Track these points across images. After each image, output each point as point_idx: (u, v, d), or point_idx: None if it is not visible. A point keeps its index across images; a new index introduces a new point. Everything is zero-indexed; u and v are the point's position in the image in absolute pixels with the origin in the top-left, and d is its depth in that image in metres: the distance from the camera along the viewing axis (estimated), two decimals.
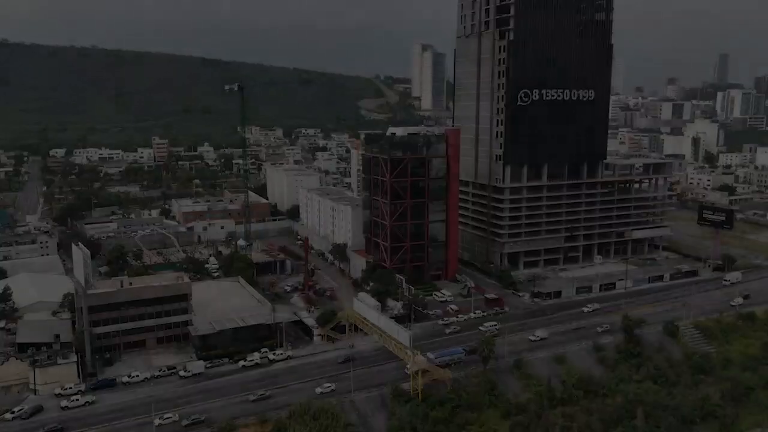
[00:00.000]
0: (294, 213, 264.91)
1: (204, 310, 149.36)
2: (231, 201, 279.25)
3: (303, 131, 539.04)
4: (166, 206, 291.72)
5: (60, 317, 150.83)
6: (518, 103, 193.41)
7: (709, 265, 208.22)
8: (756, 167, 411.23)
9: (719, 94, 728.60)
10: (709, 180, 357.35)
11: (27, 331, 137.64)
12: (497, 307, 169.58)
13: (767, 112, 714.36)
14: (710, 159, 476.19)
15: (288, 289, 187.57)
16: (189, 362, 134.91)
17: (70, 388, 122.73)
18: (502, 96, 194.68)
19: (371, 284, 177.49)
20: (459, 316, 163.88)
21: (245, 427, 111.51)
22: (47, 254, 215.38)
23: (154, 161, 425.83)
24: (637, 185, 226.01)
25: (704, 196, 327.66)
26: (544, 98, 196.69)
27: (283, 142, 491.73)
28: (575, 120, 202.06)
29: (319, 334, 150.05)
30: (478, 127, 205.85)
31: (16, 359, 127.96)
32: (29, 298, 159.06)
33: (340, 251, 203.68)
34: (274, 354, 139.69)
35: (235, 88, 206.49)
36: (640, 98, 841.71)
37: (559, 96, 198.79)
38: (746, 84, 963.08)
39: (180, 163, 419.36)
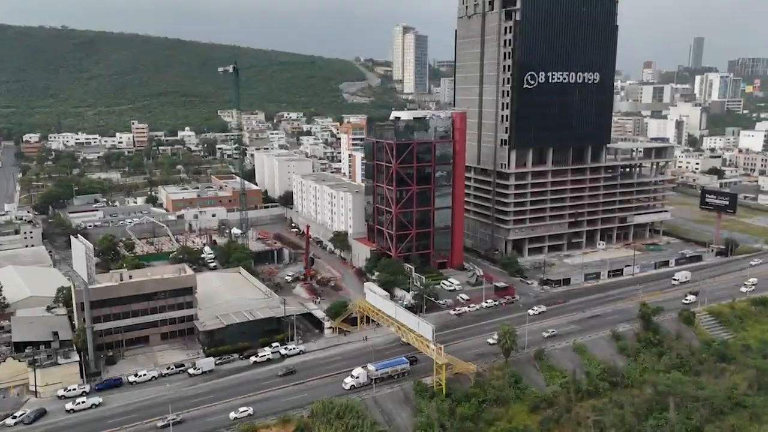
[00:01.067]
0: (287, 200, 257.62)
1: (208, 304, 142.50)
2: (221, 188, 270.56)
3: (285, 115, 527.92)
4: (152, 193, 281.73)
5: (55, 313, 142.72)
6: (524, 86, 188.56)
7: (713, 250, 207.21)
8: (740, 150, 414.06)
9: (697, 78, 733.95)
10: (697, 164, 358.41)
11: (23, 328, 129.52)
12: (508, 296, 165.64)
13: (744, 96, 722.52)
14: (693, 142, 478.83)
15: (288, 279, 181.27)
16: (198, 359, 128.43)
17: (74, 389, 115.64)
18: (508, 78, 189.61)
19: (377, 273, 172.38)
20: (471, 305, 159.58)
21: (266, 429, 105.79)
22: (32, 245, 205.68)
23: (134, 146, 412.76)
24: (636, 170, 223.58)
25: (695, 180, 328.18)
26: (550, 81, 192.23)
27: (266, 126, 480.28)
28: (581, 103, 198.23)
29: (331, 327, 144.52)
30: (482, 110, 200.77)
31: (14, 359, 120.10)
32: (20, 293, 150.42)
33: (340, 239, 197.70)
34: (286, 349, 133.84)
35: (230, 70, 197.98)
36: (619, 81, 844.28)
37: (564, 78, 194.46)
38: (720, 67, 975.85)
39: (161, 148, 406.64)
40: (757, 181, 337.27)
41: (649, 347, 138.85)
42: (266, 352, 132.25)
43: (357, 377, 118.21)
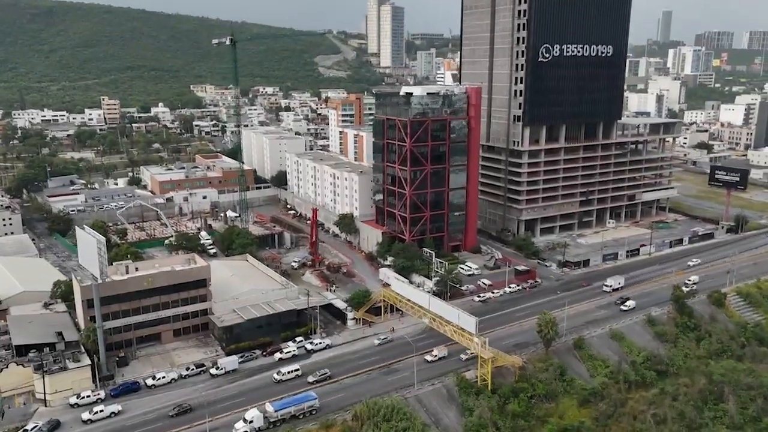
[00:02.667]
0: (280, 180, 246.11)
1: (220, 296, 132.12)
2: (208, 168, 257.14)
3: (261, 90, 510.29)
4: (135, 174, 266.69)
5: (54, 310, 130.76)
6: (539, 59, 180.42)
7: (723, 227, 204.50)
8: (722, 124, 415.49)
9: (671, 52, 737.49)
10: (685, 138, 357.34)
11: (22, 329, 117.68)
12: (530, 280, 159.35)
13: (716, 70, 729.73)
14: (674, 116, 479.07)
15: (295, 265, 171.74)
16: (220, 358, 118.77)
17: (88, 396, 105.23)
18: (522, 51, 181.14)
19: (391, 259, 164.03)
20: (494, 291, 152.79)
21: None
22: (12, 233, 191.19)
23: (105, 124, 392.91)
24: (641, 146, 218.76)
25: (686, 154, 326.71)
26: (565, 54, 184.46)
27: (242, 101, 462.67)
28: (594, 78, 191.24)
29: (354, 318, 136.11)
30: (492, 85, 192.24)
31: (17, 365, 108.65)
32: (11, 288, 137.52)
33: (346, 222, 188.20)
34: (311, 344, 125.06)
35: (227, 42, 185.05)
36: None
37: (579, 51, 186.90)
38: (687, 41, 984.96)
39: (134, 125, 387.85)
40: (746, 155, 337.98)
41: (686, 332, 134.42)
42: (291, 347, 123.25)
43: (251, 421, 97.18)
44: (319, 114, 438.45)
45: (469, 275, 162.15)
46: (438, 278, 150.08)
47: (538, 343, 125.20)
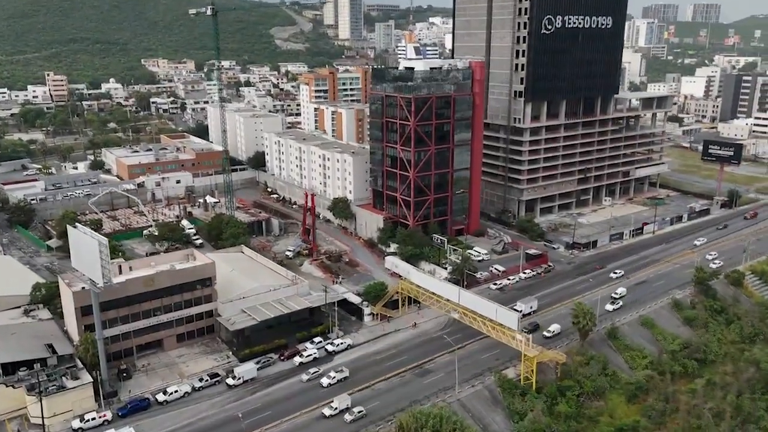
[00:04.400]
0: (258, 161, 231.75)
1: (226, 295, 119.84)
2: (178, 149, 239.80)
3: (217, 64, 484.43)
4: (97, 158, 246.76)
5: (37, 317, 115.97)
6: (542, 31, 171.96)
7: (717, 202, 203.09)
8: (685, 97, 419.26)
9: (625, 24, 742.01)
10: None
11: (6, 343, 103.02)
12: (543, 264, 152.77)
13: (665, 42, 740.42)
14: (636, 89, 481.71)
15: (290, 254, 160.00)
16: (236, 366, 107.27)
17: (93, 418, 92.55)
18: (524, 23, 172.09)
19: (396, 246, 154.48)
20: (509, 277, 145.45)
21: None
22: None
23: (52, 101, 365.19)
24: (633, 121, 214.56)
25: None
26: (567, 25, 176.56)
27: (198, 76, 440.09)
28: (593, 50, 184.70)
29: (371, 313, 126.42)
30: (490, 59, 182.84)
31: (6, 386, 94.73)
32: None
33: (341, 207, 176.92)
34: (332, 344, 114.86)
35: (207, 12, 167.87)
36: None
37: (579, 23, 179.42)
38: (635, 14, 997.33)
39: (85, 103, 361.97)
40: (715, 128, 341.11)
41: (714, 315, 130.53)
42: (311, 349, 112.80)
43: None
44: (282, 89, 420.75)
45: (479, 261, 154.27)
46: (452, 266, 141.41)
47: (571, 333, 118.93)
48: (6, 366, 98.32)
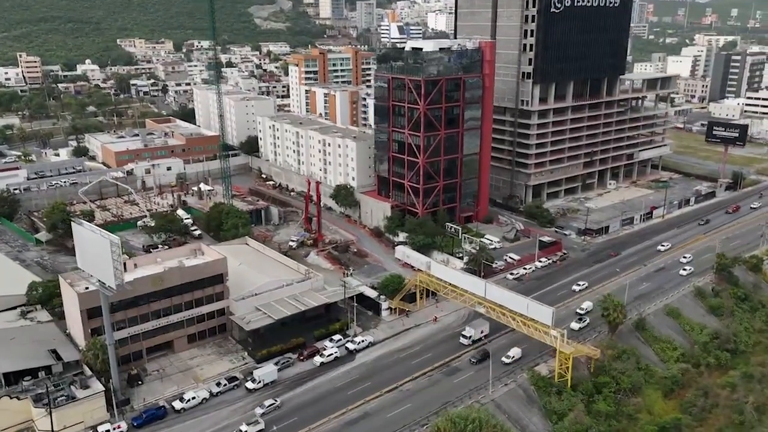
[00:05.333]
0: (251, 147, 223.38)
1: (236, 291, 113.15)
2: (167, 134, 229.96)
3: (195, 44, 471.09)
4: (80, 144, 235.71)
5: (36, 320, 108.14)
6: (552, 10, 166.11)
7: (722, 185, 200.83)
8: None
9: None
10: None
11: (6, 350, 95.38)
12: (558, 252, 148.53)
13: (648, 22, 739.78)
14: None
15: (293, 245, 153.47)
16: (251, 368, 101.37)
17: (107, 430, 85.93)
18: (534, 1, 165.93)
19: (405, 235, 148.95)
20: (525, 267, 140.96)
21: None
22: None
23: (26, 84, 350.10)
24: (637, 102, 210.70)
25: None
26: (576, 3, 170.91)
27: (178, 57, 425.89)
28: (601, 29, 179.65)
29: (389, 308, 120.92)
30: (496, 39, 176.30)
31: (10, 398, 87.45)
32: None
33: (344, 195, 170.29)
34: (353, 342, 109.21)
35: None
36: None
37: (588, 2, 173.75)
38: None
39: (61, 86, 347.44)
40: (705, 107, 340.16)
41: (738, 303, 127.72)
42: (331, 348, 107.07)
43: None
44: (266, 70, 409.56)
45: (492, 249, 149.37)
46: (468, 256, 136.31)
47: (598, 326, 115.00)
48: (8, 375, 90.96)
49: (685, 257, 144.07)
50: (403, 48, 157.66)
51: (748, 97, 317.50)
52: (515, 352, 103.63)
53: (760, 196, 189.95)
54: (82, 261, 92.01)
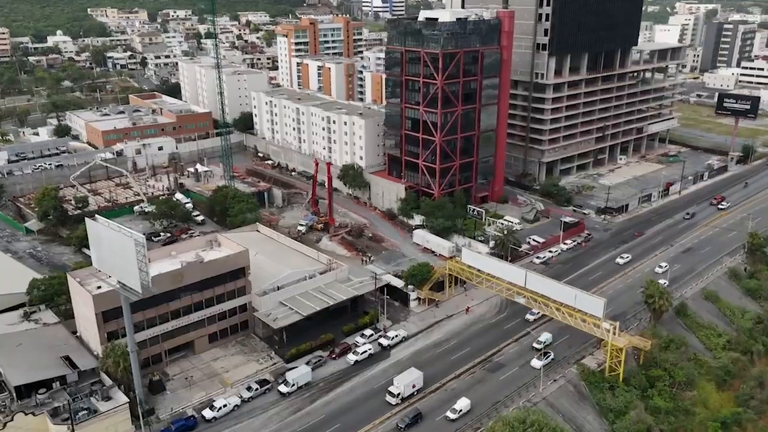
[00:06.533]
0: (244, 124, 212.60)
1: (257, 284, 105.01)
2: (154, 111, 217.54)
3: (171, 14, 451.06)
4: (62, 122, 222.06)
5: (41, 322, 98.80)
6: None
7: (732, 158, 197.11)
8: None
9: None
10: None
11: (14, 359, 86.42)
12: (581, 233, 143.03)
13: None
14: None
15: (303, 229, 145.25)
16: (280, 369, 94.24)
17: None
18: None
19: (422, 218, 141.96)
20: (552, 250, 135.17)
21: None
22: None
23: None
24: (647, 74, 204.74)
25: None
26: None
27: (154, 28, 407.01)
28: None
29: (417, 298, 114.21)
30: (508, 8, 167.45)
31: (25, 414, 78.99)
32: None
33: (352, 175, 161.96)
34: (386, 338, 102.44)
35: None
36: None
37: None
38: None
39: (32, 59, 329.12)
40: (697, 78, 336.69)
41: None
42: (363, 344, 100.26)
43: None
44: (246, 41, 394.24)
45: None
46: (495, 240, 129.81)
47: (638, 313, 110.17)
48: (18, 387, 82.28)
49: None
50: (416, 18, 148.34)
51: (744, 67, 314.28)
52: (463, 404, 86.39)
53: (721, 199, 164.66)
54: (98, 261, 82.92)
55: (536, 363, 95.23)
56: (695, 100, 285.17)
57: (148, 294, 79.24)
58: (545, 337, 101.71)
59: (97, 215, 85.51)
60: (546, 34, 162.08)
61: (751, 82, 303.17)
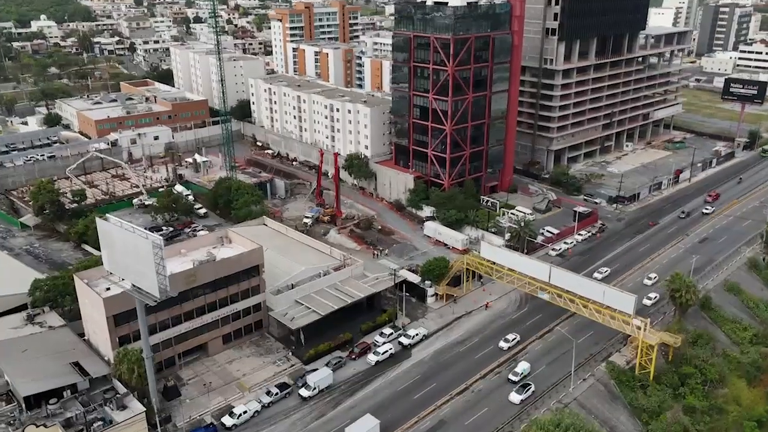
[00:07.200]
0: (242, 112, 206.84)
1: (270, 282, 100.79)
2: (147, 99, 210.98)
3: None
4: (51, 111, 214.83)
5: (46, 325, 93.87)
6: None
7: (739, 144, 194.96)
8: None
9: None
10: None
11: (21, 367, 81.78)
12: (595, 223, 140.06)
13: None
14: None
15: (309, 221, 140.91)
16: (301, 369, 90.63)
17: None
18: None
19: (432, 209, 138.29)
20: (567, 241, 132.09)
21: None
22: None
23: None
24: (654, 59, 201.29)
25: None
26: None
27: (141, 12, 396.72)
28: None
29: (435, 294, 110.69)
30: None
31: (36, 426, 74.60)
32: None
33: (358, 165, 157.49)
34: (406, 336, 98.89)
35: None
36: None
37: None
38: None
39: (16, 44, 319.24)
40: (695, 62, 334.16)
41: None
42: (384, 344, 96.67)
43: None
44: (237, 25, 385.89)
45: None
46: (511, 232, 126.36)
47: (662, 306, 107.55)
48: (27, 398, 77.77)
49: None
50: (424, 1, 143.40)
51: (742, 51, 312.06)
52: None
53: (716, 197, 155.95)
54: (110, 263, 78.26)
55: (514, 397, 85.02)
56: (695, 85, 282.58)
57: (166, 298, 74.79)
58: (522, 367, 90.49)
59: (108, 214, 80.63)
60: (555, 19, 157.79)
61: (749, 66, 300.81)
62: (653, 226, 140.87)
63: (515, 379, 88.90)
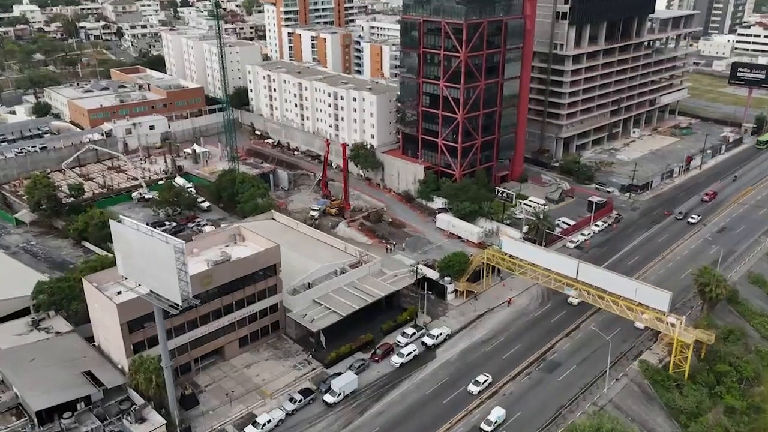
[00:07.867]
0: (239, 99, 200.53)
1: (286, 281, 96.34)
2: (140, 86, 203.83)
3: None
4: (40, 100, 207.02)
5: (53, 331, 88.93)
6: None
7: (746, 130, 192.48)
8: None
9: None
10: None
11: (29, 378, 76.94)
12: (610, 213, 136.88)
13: None
14: None
15: (315, 214, 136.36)
16: (323, 373, 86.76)
17: None
18: None
19: (443, 200, 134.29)
20: (584, 233, 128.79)
21: None
22: None
23: None
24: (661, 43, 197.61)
25: None
26: None
27: None
28: None
29: (455, 290, 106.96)
30: None
31: None
32: None
33: (364, 155, 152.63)
34: (429, 336, 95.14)
35: None
36: None
37: None
38: None
39: None
40: (692, 45, 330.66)
41: None
42: (408, 345, 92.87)
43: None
44: (225, 9, 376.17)
45: None
46: (528, 225, 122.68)
47: (688, 301, 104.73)
48: (39, 412, 73.11)
49: None
50: None
51: (740, 34, 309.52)
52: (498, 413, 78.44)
53: (713, 195, 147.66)
54: (125, 267, 73.39)
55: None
56: (694, 69, 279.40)
57: (188, 306, 70.28)
58: (497, 414, 78.65)
59: (122, 216, 75.45)
60: (566, 2, 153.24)
61: (747, 50, 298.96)
62: (668, 215, 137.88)
63: (488, 428, 77.14)
